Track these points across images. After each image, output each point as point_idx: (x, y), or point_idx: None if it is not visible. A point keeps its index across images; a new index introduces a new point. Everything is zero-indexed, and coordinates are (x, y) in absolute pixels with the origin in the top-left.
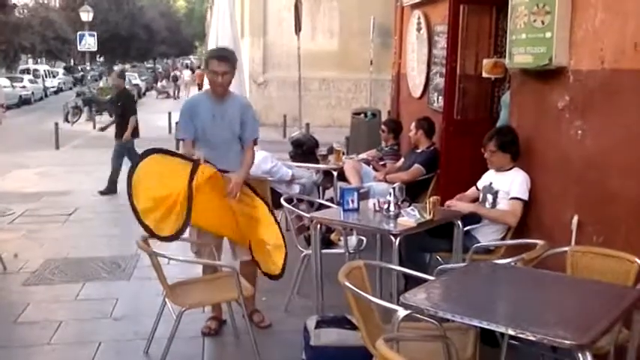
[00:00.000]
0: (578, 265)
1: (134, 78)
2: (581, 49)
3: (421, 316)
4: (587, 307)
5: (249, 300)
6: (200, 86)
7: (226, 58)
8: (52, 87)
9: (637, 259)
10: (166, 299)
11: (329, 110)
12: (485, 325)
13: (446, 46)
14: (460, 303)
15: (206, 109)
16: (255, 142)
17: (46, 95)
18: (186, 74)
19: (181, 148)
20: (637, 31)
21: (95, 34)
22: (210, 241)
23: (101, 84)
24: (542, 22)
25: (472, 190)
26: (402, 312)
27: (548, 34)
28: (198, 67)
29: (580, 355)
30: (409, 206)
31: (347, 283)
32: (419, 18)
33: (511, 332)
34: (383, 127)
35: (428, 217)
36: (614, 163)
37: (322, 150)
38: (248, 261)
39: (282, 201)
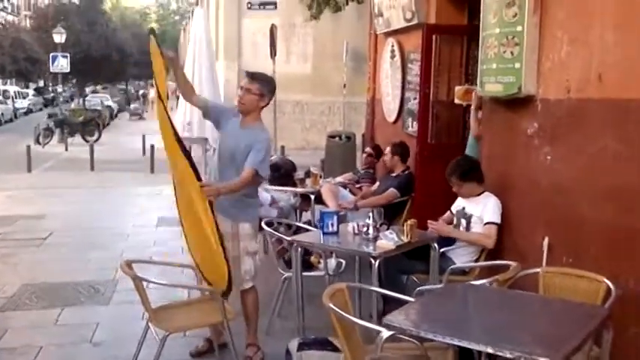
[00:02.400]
0: (550, 285)
1: (106, 100)
2: (548, 79)
3: (402, 337)
4: (560, 325)
5: (250, 331)
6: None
7: (257, 79)
8: (22, 108)
9: (605, 279)
10: (149, 323)
11: (303, 133)
12: (465, 344)
13: (419, 73)
14: (440, 323)
15: (231, 124)
16: (254, 172)
17: (15, 117)
18: (152, 92)
19: None
20: (601, 63)
21: (68, 55)
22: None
23: (73, 105)
24: (512, 53)
25: (447, 215)
26: (385, 333)
27: (517, 65)
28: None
29: None
30: (387, 229)
31: (331, 305)
32: (392, 45)
33: (490, 350)
34: (365, 150)
35: (406, 239)
36: (581, 188)
37: (299, 174)
38: (249, 289)
39: (262, 224)
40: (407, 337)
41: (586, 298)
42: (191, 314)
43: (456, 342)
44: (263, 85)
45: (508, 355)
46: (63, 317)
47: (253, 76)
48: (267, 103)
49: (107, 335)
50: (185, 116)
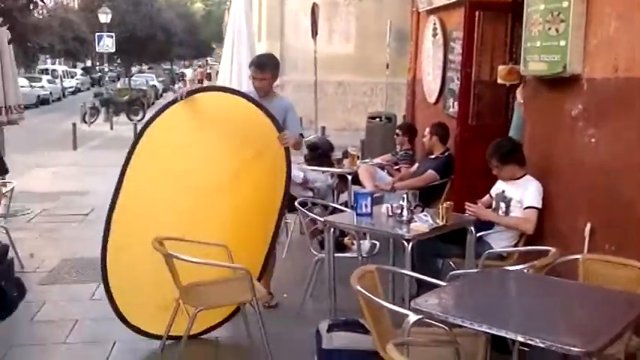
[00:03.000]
0: (590, 272)
1: (151, 79)
2: (595, 58)
3: (432, 321)
4: (597, 314)
5: (266, 285)
6: (201, 81)
7: (264, 65)
8: (70, 87)
9: None
10: (180, 302)
11: (345, 114)
12: (494, 331)
13: (461, 51)
14: (471, 309)
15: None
16: (301, 137)
17: (64, 95)
18: (189, 72)
19: None
20: None
21: (113, 35)
22: None
23: (119, 85)
24: (557, 30)
25: (486, 198)
26: (412, 317)
27: (562, 42)
28: (199, 66)
29: None
30: (422, 211)
31: (359, 287)
32: (435, 23)
33: (520, 339)
34: (397, 130)
35: (441, 222)
36: (627, 171)
37: (337, 154)
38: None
39: (296, 204)
40: (436, 323)
41: (627, 287)
42: (220, 292)
43: (484, 328)
44: (271, 68)
45: (540, 345)
46: (99, 292)
47: (260, 64)
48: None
49: None
50: None
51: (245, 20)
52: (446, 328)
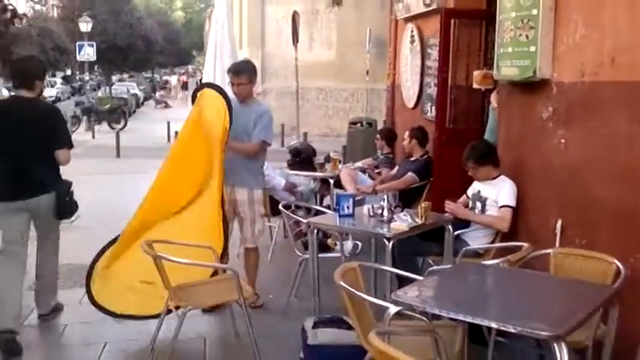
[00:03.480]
0: (561, 266)
1: (132, 88)
2: (563, 62)
3: (412, 314)
4: (566, 303)
5: (250, 284)
6: (184, 86)
7: (240, 70)
8: (50, 96)
9: (615, 260)
10: (169, 301)
11: (326, 120)
12: (470, 319)
13: (438, 57)
14: (448, 300)
15: (234, 106)
16: (263, 144)
17: None
18: (174, 79)
19: None
20: (614, 46)
21: (94, 44)
22: None
23: (100, 94)
24: (527, 37)
25: (463, 198)
26: (393, 308)
27: (532, 48)
28: (180, 74)
29: (556, 345)
30: (402, 211)
31: (342, 282)
32: (412, 31)
33: (494, 325)
34: (377, 135)
35: (420, 221)
36: (595, 171)
37: (319, 158)
38: (251, 248)
39: (280, 207)
40: (416, 315)
41: (596, 279)
42: (209, 292)
43: (461, 317)
44: (248, 73)
45: (512, 330)
46: (87, 297)
47: (237, 71)
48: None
49: None
50: None
51: (227, 28)
52: (425, 319)
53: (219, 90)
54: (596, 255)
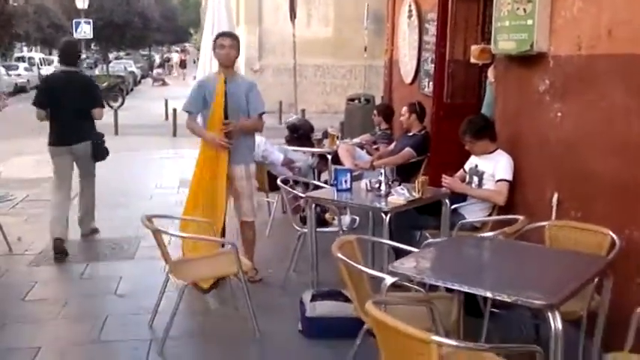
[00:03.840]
0: (556, 238)
1: (129, 65)
2: (560, 36)
3: (409, 285)
4: (560, 273)
5: (249, 259)
6: (183, 64)
7: (231, 35)
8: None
9: (609, 232)
10: (170, 274)
11: (324, 96)
12: (466, 288)
13: (435, 32)
14: (444, 270)
15: (212, 85)
16: (260, 116)
17: None
18: (175, 57)
19: (187, 120)
20: (611, 19)
21: (91, 21)
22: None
23: (97, 72)
24: (524, 10)
25: (460, 173)
26: (389, 279)
27: (529, 22)
28: (176, 52)
29: (550, 314)
30: (399, 185)
31: (339, 254)
32: (410, 5)
33: (489, 295)
34: (375, 111)
35: (417, 195)
36: (590, 144)
37: (317, 134)
38: (249, 222)
39: (278, 182)
40: (412, 286)
41: (591, 251)
42: (208, 266)
43: (456, 286)
44: (236, 38)
45: (507, 299)
46: (88, 271)
47: (226, 34)
48: None
49: (131, 287)
50: None
51: (224, 5)
52: (421, 290)
53: None
54: (591, 227)
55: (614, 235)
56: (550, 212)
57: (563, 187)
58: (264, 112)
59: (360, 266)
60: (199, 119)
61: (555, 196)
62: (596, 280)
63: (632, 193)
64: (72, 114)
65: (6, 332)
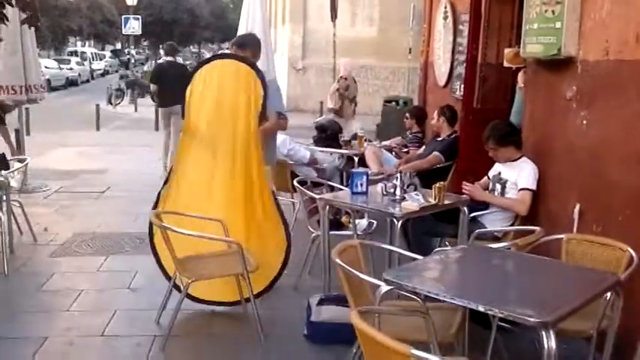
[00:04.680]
0: (573, 252)
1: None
2: (589, 40)
3: (408, 295)
4: (564, 290)
5: None
6: None
7: (246, 44)
8: (99, 69)
9: (628, 248)
10: (176, 272)
11: (367, 97)
12: (457, 302)
13: (468, 34)
14: (442, 282)
15: None
16: (279, 115)
17: (92, 77)
18: None
19: None
20: (639, 23)
21: (139, 17)
22: None
23: (145, 67)
24: (553, 12)
25: (484, 180)
26: (384, 287)
27: (558, 24)
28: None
29: (544, 332)
30: (415, 190)
31: (337, 260)
32: (446, 7)
33: (481, 309)
34: (407, 114)
35: (432, 201)
36: (615, 154)
37: (345, 136)
38: None
39: (294, 183)
40: (411, 295)
41: (609, 267)
42: (214, 264)
43: (447, 299)
44: (252, 47)
45: (498, 314)
46: (106, 265)
47: (241, 44)
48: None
49: (145, 282)
50: None
51: (259, 5)
52: (418, 299)
53: (244, 60)
54: (609, 242)
55: (632, 252)
56: (572, 224)
57: (585, 199)
58: (279, 112)
59: (356, 272)
60: None
61: (577, 207)
62: (608, 298)
63: None
64: (175, 88)
65: (17, 321)
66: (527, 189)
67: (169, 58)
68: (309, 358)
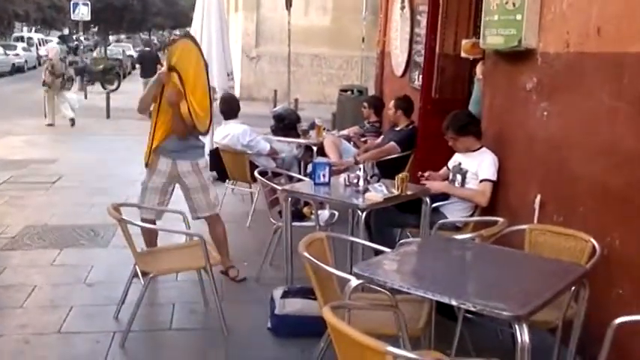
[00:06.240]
0: (537, 242)
1: (128, 49)
2: (549, 32)
3: (376, 287)
4: (533, 282)
5: (223, 257)
6: None
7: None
8: (45, 56)
9: (591, 239)
10: (136, 266)
11: (320, 86)
12: (430, 295)
13: (426, 25)
14: (412, 274)
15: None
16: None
17: (39, 64)
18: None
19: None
20: (600, 15)
21: (89, 3)
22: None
23: (95, 54)
24: (514, 5)
25: (443, 170)
26: (354, 281)
27: (518, 16)
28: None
29: (517, 325)
30: (378, 181)
31: (305, 254)
32: None
33: (454, 303)
34: (364, 104)
35: (396, 192)
36: (575, 145)
37: (304, 125)
38: (212, 217)
39: (255, 173)
40: (379, 288)
41: (572, 257)
42: (176, 258)
43: (420, 293)
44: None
45: (472, 309)
46: (60, 258)
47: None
48: None
49: (101, 276)
50: None
51: None
52: (387, 293)
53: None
54: (572, 233)
55: (595, 242)
56: (532, 215)
57: (546, 189)
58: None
59: (325, 267)
60: None
61: (538, 198)
62: (573, 288)
63: (614, 198)
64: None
65: None
66: (488, 180)
67: (147, 48)
68: (274, 351)
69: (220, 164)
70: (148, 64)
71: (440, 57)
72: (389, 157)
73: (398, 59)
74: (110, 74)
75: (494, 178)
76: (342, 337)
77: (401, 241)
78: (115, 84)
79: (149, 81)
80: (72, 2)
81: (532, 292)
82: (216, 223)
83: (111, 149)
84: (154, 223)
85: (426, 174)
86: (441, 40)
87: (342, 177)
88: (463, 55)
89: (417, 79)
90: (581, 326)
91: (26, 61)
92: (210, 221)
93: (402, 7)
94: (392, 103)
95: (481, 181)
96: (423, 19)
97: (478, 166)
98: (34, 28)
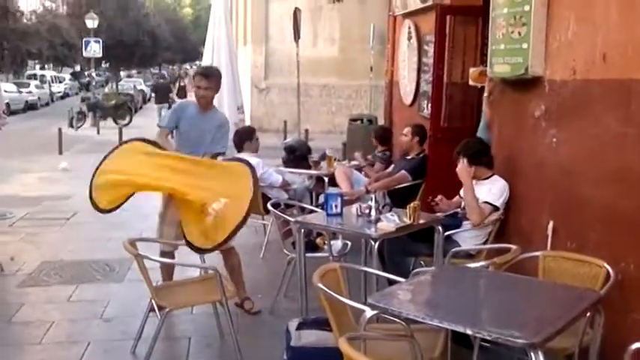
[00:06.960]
0: (550, 269)
1: (139, 84)
2: (555, 60)
3: (391, 318)
4: (547, 309)
5: (239, 289)
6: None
7: (211, 75)
8: (59, 92)
9: (605, 264)
10: (152, 300)
11: (329, 116)
12: (445, 325)
13: (433, 54)
14: (426, 304)
15: (191, 115)
16: (215, 156)
17: (52, 100)
18: (191, 72)
19: (158, 134)
20: (605, 42)
21: (100, 40)
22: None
23: (106, 90)
24: (519, 34)
25: (457, 199)
26: (369, 312)
27: (524, 45)
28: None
29: (532, 353)
30: (390, 211)
31: (320, 285)
32: (409, 27)
33: (469, 332)
34: (373, 134)
35: (408, 221)
36: (585, 171)
37: (315, 156)
38: (228, 250)
39: (268, 206)
40: (394, 318)
41: (586, 283)
42: (192, 292)
43: (436, 322)
44: (216, 78)
45: (486, 337)
46: (77, 294)
47: (207, 74)
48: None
49: (118, 311)
50: None
51: (225, 25)
52: (402, 323)
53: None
54: (586, 259)
55: (609, 268)
56: (545, 241)
57: (557, 216)
58: (220, 153)
59: (340, 297)
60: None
61: (551, 224)
62: (588, 314)
63: (626, 223)
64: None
65: None
66: (490, 203)
67: (161, 80)
68: None
69: None
70: (162, 92)
71: (448, 85)
72: (400, 185)
73: (406, 88)
74: (122, 109)
75: (496, 203)
76: None
77: (415, 271)
78: (127, 119)
79: (163, 106)
80: (84, 40)
81: (546, 319)
82: (231, 255)
83: None
84: (173, 255)
85: (438, 198)
86: (449, 69)
87: (354, 207)
88: (471, 83)
89: (427, 108)
90: (598, 352)
91: (39, 99)
92: (224, 253)
93: (409, 38)
94: (408, 129)
95: (483, 202)
96: (430, 49)
97: (487, 192)
98: (46, 66)
